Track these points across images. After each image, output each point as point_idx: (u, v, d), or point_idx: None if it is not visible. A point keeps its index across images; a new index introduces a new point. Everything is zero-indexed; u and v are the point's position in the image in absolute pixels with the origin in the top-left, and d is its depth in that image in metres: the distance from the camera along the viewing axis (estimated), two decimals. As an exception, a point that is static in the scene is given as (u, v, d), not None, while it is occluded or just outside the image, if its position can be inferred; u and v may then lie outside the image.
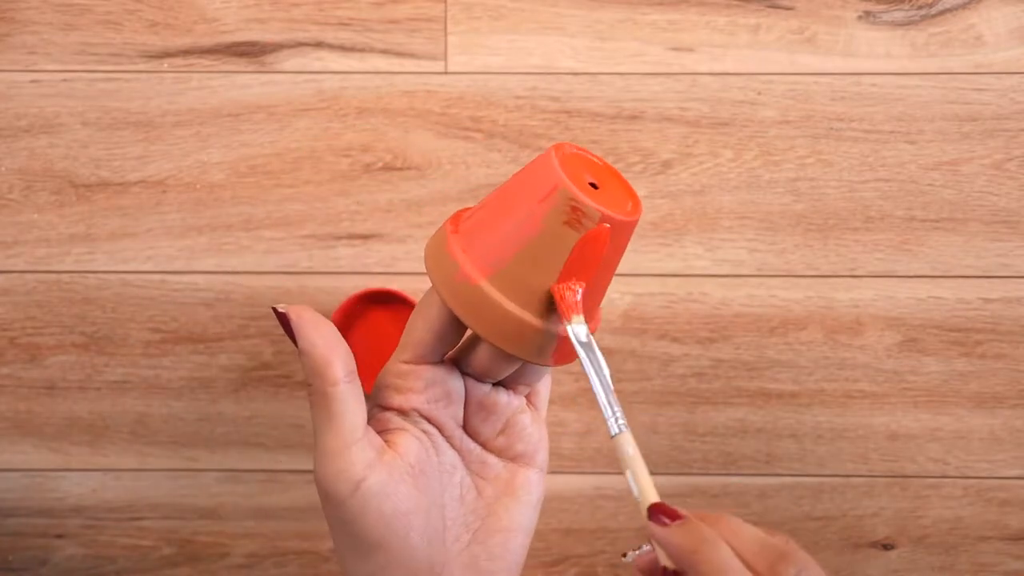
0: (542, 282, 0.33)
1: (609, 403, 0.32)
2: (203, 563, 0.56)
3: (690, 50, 0.54)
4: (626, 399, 0.55)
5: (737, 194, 0.55)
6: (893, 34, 0.54)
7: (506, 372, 0.36)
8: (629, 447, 0.32)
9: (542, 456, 0.38)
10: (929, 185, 0.55)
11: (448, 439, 0.36)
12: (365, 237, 0.55)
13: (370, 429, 0.34)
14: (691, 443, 0.55)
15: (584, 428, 0.55)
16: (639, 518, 0.55)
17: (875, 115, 0.54)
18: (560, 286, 0.33)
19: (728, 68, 0.54)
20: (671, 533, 0.31)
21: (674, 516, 0.31)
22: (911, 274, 0.55)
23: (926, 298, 0.55)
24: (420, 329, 0.35)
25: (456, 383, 0.36)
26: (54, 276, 0.55)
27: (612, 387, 0.33)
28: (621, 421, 0.32)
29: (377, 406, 0.36)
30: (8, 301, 0.55)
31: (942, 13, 0.54)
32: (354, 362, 0.34)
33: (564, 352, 0.35)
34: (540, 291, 0.33)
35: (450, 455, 0.36)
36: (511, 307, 0.33)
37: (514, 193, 0.34)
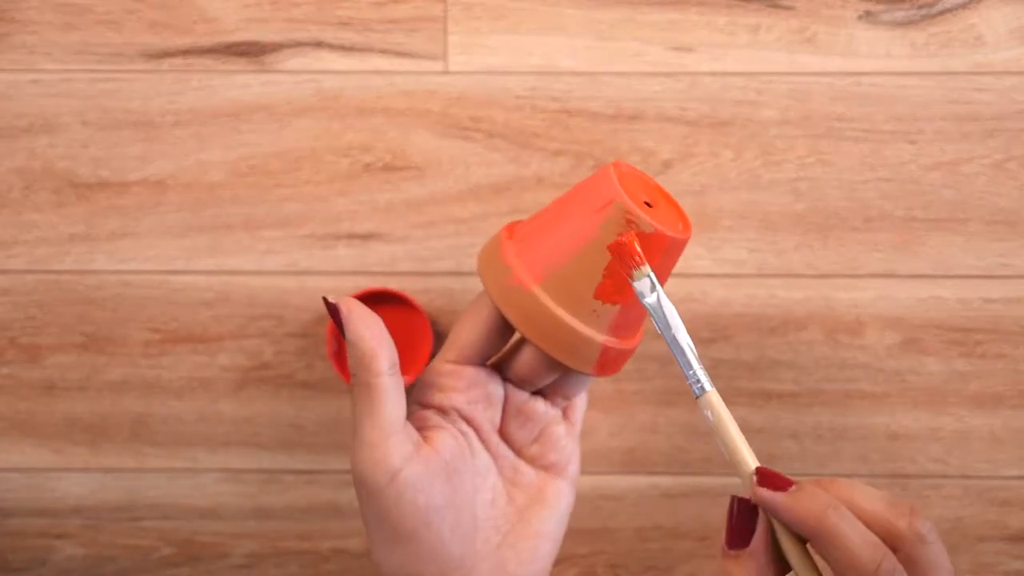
0: (591, 291, 0.34)
1: (687, 363, 0.33)
2: (203, 563, 0.56)
3: (690, 50, 0.54)
4: (626, 399, 0.55)
5: (737, 194, 0.55)
6: (893, 34, 0.54)
7: (547, 380, 0.36)
8: (709, 411, 0.32)
9: (574, 468, 0.38)
10: (929, 185, 0.55)
11: (484, 442, 0.36)
12: (365, 237, 0.55)
13: (408, 424, 0.34)
14: (691, 443, 0.55)
15: (584, 428, 0.55)
16: (639, 518, 0.55)
17: (875, 115, 0.54)
18: (616, 241, 0.33)
19: (728, 68, 0.54)
20: (795, 500, 0.31)
21: (785, 484, 0.31)
22: (911, 274, 0.55)
23: (927, 298, 0.55)
24: (468, 330, 0.36)
25: (497, 387, 0.36)
26: (54, 276, 0.55)
27: (691, 346, 0.33)
28: (700, 383, 0.33)
29: (417, 403, 0.36)
30: (8, 301, 0.55)
31: (942, 13, 0.54)
32: (398, 357, 0.34)
33: (607, 362, 0.35)
34: (588, 299, 0.34)
35: (484, 458, 0.36)
36: (560, 312, 0.34)
37: (570, 204, 0.34)
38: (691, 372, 0.33)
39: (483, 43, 0.54)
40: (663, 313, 0.33)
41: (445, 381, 0.36)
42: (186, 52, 0.54)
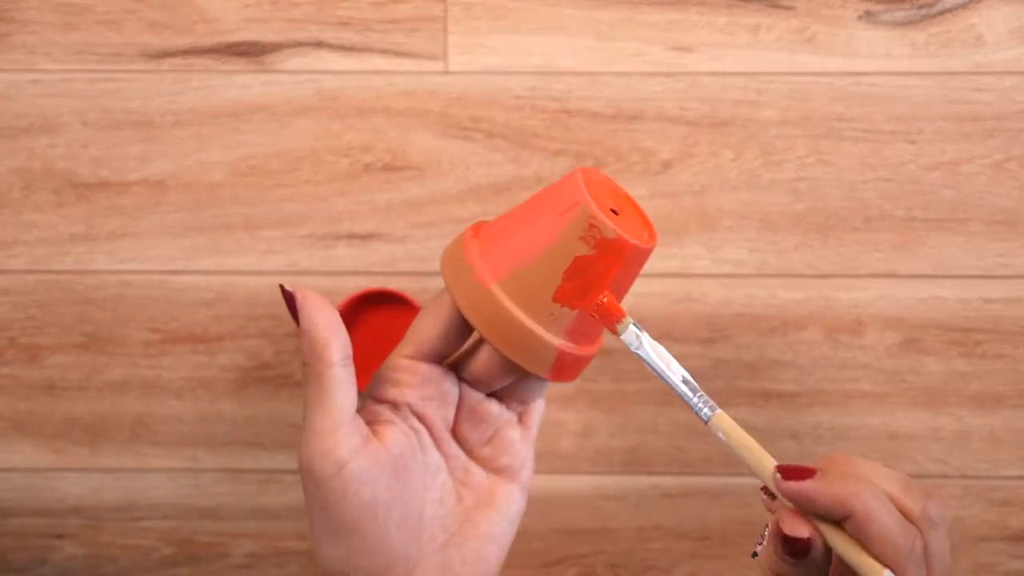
0: (550, 293, 0.34)
1: (687, 392, 0.33)
2: (203, 563, 0.56)
3: (690, 50, 0.54)
4: (626, 399, 0.55)
5: (737, 194, 0.55)
6: (893, 34, 0.54)
7: (503, 382, 0.36)
8: (720, 432, 0.33)
9: (526, 474, 0.38)
10: (929, 185, 0.55)
11: (436, 440, 0.36)
12: (365, 237, 0.55)
13: (358, 416, 0.34)
14: (691, 443, 0.55)
15: (584, 428, 0.55)
16: (639, 518, 0.55)
17: (875, 115, 0.54)
18: (592, 302, 0.34)
19: (728, 68, 0.54)
20: (826, 486, 0.31)
21: (810, 472, 0.32)
22: (911, 274, 0.55)
23: (926, 298, 0.55)
24: (426, 326, 0.35)
25: (452, 386, 0.36)
26: (54, 276, 0.55)
27: (686, 376, 0.33)
28: (706, 409, 0.33)
29: (371, 398, 0.36)
30: (8, 301, 0.55)
31: (942, 13, 0.54)
32: (351, 349, 0.34)
33: (563, 367, 0.35)
34: (546, 301, 0.34)
35: (435, 456, 0.36)
36: (517, 312, 0.34)
37: (536, 207, 0.35)
38: (693, 402, 0.33)
39: (483, 43, 0.54)
40: (653, 357, 0.34)
41: (399, 376, 0.36)
42: (186, 52, 0.54)
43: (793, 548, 0.32)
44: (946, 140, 0.54)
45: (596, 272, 0.34)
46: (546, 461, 0.55)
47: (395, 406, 0.36)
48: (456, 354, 0.37)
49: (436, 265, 0.54)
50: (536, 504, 0.55)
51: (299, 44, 0.54)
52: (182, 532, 0.56)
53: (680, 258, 0.55)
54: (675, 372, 0.34)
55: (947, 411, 0.55)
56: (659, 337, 0.55)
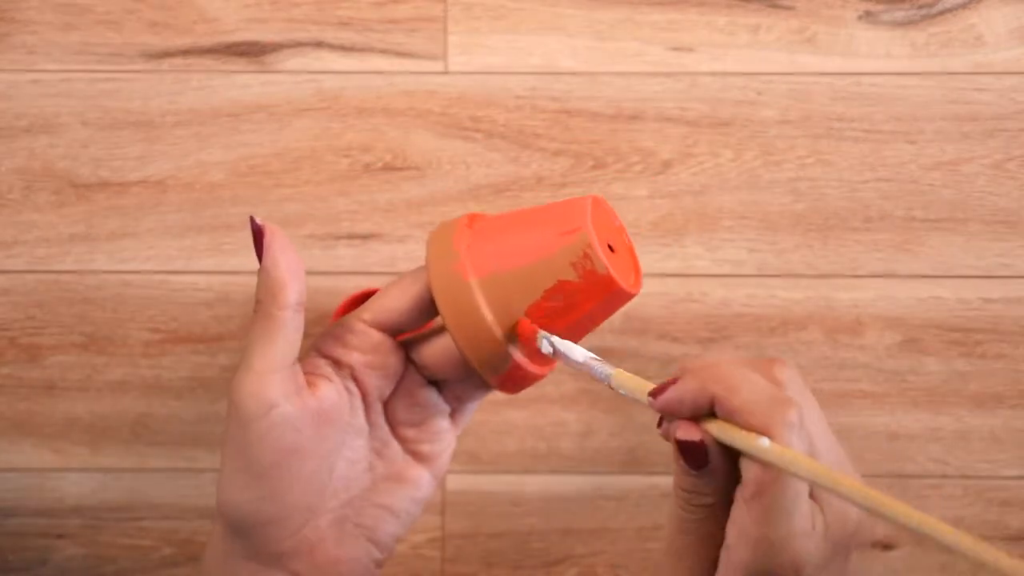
0: (524, 305, 0.34)
1: (596, 371, 0.33)
2: (203, 563, 0.56)
3: (690, 50, 0.54)
4: (626, 399, 0.55)
5: (737, 194, 0.55)
6: (893, 34, 0.54)
7: (448, 375, 0.36)
8: (622, 389, 0.32)
9: (442, 463, 0.38)
10: (929, 185, 0.55)
11: (366, 408, 0.37)
12: (365, 237, 0.55)
13: (298, 366, 0.34)
14: (691, 443, 0.55)
15: (584, 428, 0.55)
16: (639, 518, 0.55)
17: (875, 115, 0.54)
18: (560, 327, 0.34)
19: (728, 68, 0.54)
20: (685, 382, 0.31)
21: (671, 381, 0.31)
22: (911, 274, 0.55)
23: (926, 298, 0.55)
24: (392, 298, 0.36)
25: (397, 362, 0.36)
26: (54, 276, 0.55)
27: (591, 357, 0.33)
28: (608, 371, 0.33)
29: (315, 349, 0.36)
30: (8, 301, 0.55)
31: (942, 13, 0.54)
32: (305, 296, 0.34)
33: (512, 380, 0.35)
34: (518, 311, 0.34)
35: (360, 421, 0.36)
36: (486, 312, 0.34)
37: (537, 219, 0.35)
38: (598, 371, 0.33)
39: (483, 43, 0.54)
40: (564, 353, 0.34)
41: (349, 338, 0.36)
42: (186, 52, 0.54)
43: (689, 456, 0.31)
44: (946, 140, 0.54)
45: (574, 300, 0.34)
46: (546, 461, 0.55)
47: (337, 364, 0.36)
48: (413, 333, 0.37)
49: (436, 265, 0.54)
50: (536, 504, 0.55)
51: (299, 44, 0.54)
52: (182, 532, 0.56)
53: (680, 258, 0.55)
54: (579, 355, 0.34)
55: (947, 411, 0.55)
56: (659, 337, 0.55)
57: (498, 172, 0.55)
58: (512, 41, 0.54)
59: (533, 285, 0.34)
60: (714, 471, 0.31)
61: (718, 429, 0.30)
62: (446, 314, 0.34)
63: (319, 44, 0.55)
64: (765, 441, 0.29)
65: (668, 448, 0.55)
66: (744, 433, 0.29)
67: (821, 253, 0.55)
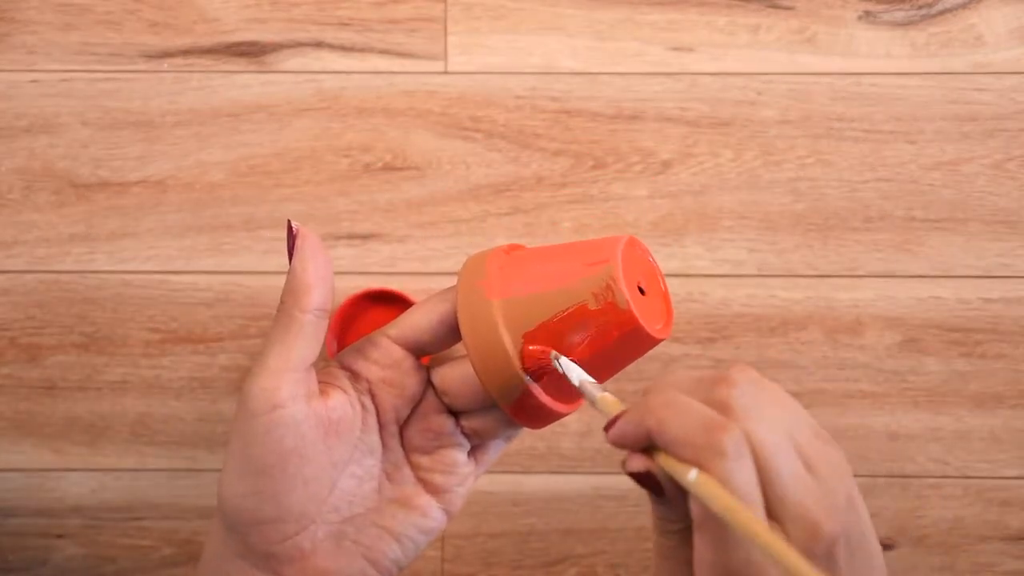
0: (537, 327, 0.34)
1: (587, 392, 0.33)
2: (203, 563, 0.56)
3: (690, 50, 0.54)
4: (626, 399, 0.55)
5: (737, 194, 0.55)
6: (893, 34, 0.54)
7: (466, 401, 0.36)
8: (599, 405, 0.32)
9: (454, 498, 0.37)
10: (929, 185, 0.55)
11: (381, 426, 0.36)
12: (365, 237, 0.55)
13: (312, 371, 0.34)
14: (691, 443, 0.55)
15: (584, 428, 0.55)
16: (639, 518, 0.55)
17: (875, 115, 0.54)
18: (537, 348, 0.34)
19: (728, 68, 0.54)
20: (627, 416, 0.30)
21: (619, 415, 0.31)
22: (911, 274, 0.55)
23: (926, 298, 0.55)
24: (419, 315, 0.35)
25: (417, 383, 0.36)
26: (54, 276, 0.55)
27: (588, 380, 0.33)
28: (596, 394, 0.32)
29: (337, 360, 0.36)
30: (8, 301, 0.55)
31: (942, 13, 0.54)
32: (330, 303, 0.34)
33: (527, 410, 0.35)
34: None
35: (374, 439, 0.36)
36: (503, 333, 0.34)
37: (570, 250, 0.35)
38: (590, 396, 0.33)
39: (483, 43, 0.54)
40: (564, 371, 0.34)
41: (371, 351, 0.36)
42: (186, 52, 0.54)
43: (644, 485, 0.31)
44: (946, 140, 0.54)
45: (589, 329, 0.34)
46: (546, 461, 0.55)
47: (355, 377, 0.36)
48: (439, 356, 0.37)
49: (436, 265, 0.54)
50: (536, 504, 0.55)
51: (299, 44, 0.54)
52: (182, 532, 0.56)
53: (680, 258, 0.55)
54: (576, 377, 0.34)
55: (947, 411, 0.55)
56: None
57: (498, 172, 0.54)
58: (512, 41, 0.54)
59: (551, 308, 0.34)
60: (674, 499, 0.31)
61: (662, 460, 0.30)
62: (465, 331, 0.34)
63: (319, 44, 0.55)
64: (692, 473, 0.29)
65: (668, 448, 0.56)
66: (679, 465, 0.29)
67: (821, 253, 0.55)
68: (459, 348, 0.36)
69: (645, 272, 0.35)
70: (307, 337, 0.34)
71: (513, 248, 0.36)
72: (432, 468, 0.37)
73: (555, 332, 0.34)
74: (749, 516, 0.27)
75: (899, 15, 0.54)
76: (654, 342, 0.34)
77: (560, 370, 0.33)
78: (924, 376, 0.55)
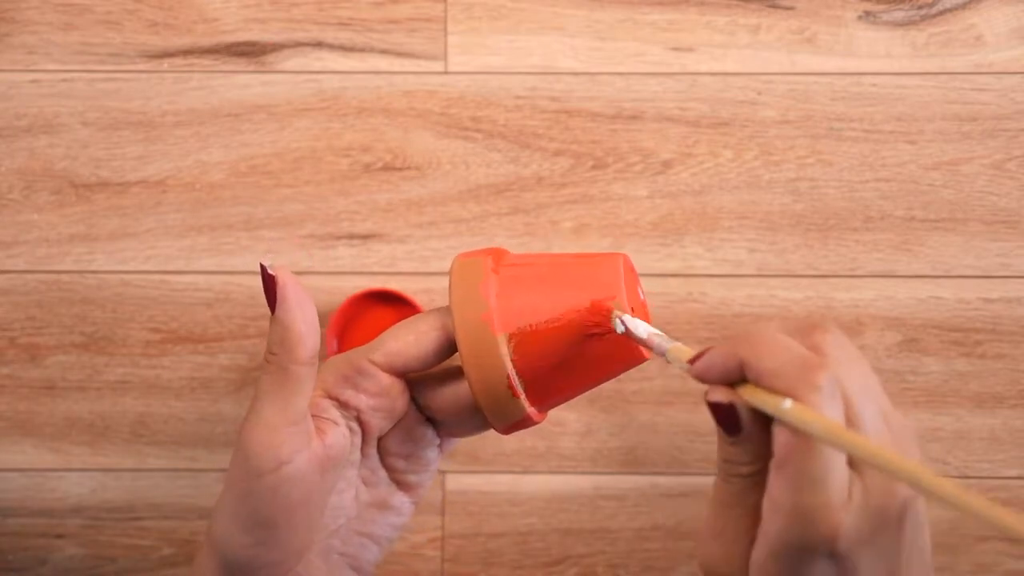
0: (544, 364, 0.34)
1: (655, 346, 0.32)
2: (203, 563, 0.56)
3: (690, 50, 0.54)
4: (626, 399, 0.55)
5: (737, 194, 0.55)
6: (893, 34, 0.54)
7: (455, 420, 0.36)
8: (670, 356, 0.32)
9: (423, 491, 0.38)
10: (929, 185, 0.55)
11: (364, 442, 0.36)
12: (365, 237, 0.55)
13: (309, 416, 0.34)
14: (691, 443, 0.55)
15: (584, 428, 0.55)
16: (639, 518, 0.55)
17: (875, 115, 0.54)
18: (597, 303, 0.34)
19: (728, 68, 0.54)
20: (719, 347, 0.30)
21: (707, 349, 0.30)
22: (911, 274, 0.55)
23: (926, 298, 0.55)
24: (408, 343, 0.35)
25: (403, 404, 0.36)
26: (54, 276, 0.55)
27: (654, 333, 0.33)
28: (666, 346, 0.32)
29: (324, 389, 0.35)
30: (8, 301, 0.55)
31: (942, 13, 0.54)
32: (319, 347, 0.34)
33: (516, 427, 0.36)
34: (539, 370, 0.34)
35: (356, 454, 0.36)
36: (510, 369, 0.34)
37: (568, 274, 0.35)
38: (659, 349, 0.32)
39: (483, 43, 0.54)
40: (631, 330, 0.33)
41: (361, 380, 0.35)
42: (186, 52, 0.54)
43: (722, 420, 0.30)
44: (946, 140, 0.54)
45: (593, 359, 0.34)
46: (546, 461, 0.55)
47: (344, 407, 0.35)
48: (423, 373, 0.36)
49: (436, 265, 0.54)
50: (536, 504, 0.55)
51: (299, 44, 0.54)
52: (182, 532, 0.56)
53: (680, 258, 0.55)
54: (644, 331, 0.33)
55: (947, 411, 0.55)
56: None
57: (498, 172, 0.54)
58: (512, 41, 0.54)
59: (559, 346, 0.34)
60: (749, 438, 0.30)
61: (748, 393, 0.29)
62: (469, 364, 0.34)
63: (319, 44, 0.55)
64: (787, 403, 0.28)
65: (667, 448, 0.55)
66: (769, 395, 0.28)
67: (821, 253, 0.55)
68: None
69: (632, 290, 0.36)
70: (304, 389, 0.33)
71: (498, 260, 0.36)
72: (407, 469, 0.37)
73: (561, 365, 0.34)
74: (854, 434, 0.27)
75: (899, 15, 0.54)
76: (639, 362, 0.35)
77: (622, 329, 0.33)
78: (924, 376, 0.55)
